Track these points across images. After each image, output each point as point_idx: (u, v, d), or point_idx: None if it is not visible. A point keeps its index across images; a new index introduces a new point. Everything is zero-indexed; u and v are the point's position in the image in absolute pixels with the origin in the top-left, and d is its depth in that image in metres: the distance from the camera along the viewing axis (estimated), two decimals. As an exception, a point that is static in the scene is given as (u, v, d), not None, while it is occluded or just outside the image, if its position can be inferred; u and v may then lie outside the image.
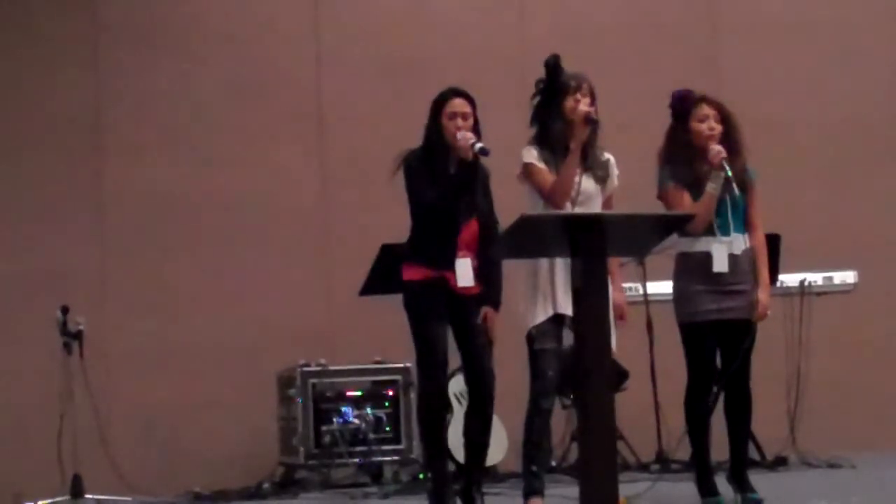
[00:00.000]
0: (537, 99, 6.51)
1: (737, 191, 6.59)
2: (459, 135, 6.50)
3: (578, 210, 6.30)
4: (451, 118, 6.57)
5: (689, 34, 10.18)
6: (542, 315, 6.32)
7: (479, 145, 6.45)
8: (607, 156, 6.55)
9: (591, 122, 6.31)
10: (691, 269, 6.67)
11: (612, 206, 6.54)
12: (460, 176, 6.53)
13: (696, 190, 6.65)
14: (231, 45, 9.86)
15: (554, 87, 6.43)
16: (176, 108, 9.74)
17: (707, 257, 6.64)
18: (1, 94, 9.56)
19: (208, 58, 9.81)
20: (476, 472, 6.82)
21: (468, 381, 6.77)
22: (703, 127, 6.72)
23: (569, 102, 6.38)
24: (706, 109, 6.76)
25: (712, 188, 6.60)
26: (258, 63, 9.87)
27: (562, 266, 6.21)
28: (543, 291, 6.32)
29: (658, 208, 6.69)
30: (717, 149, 6.61)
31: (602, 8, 10.20)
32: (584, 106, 6.33)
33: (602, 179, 6.50)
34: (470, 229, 6.64)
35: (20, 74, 9.59)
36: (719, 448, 6.87)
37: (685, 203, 6.64)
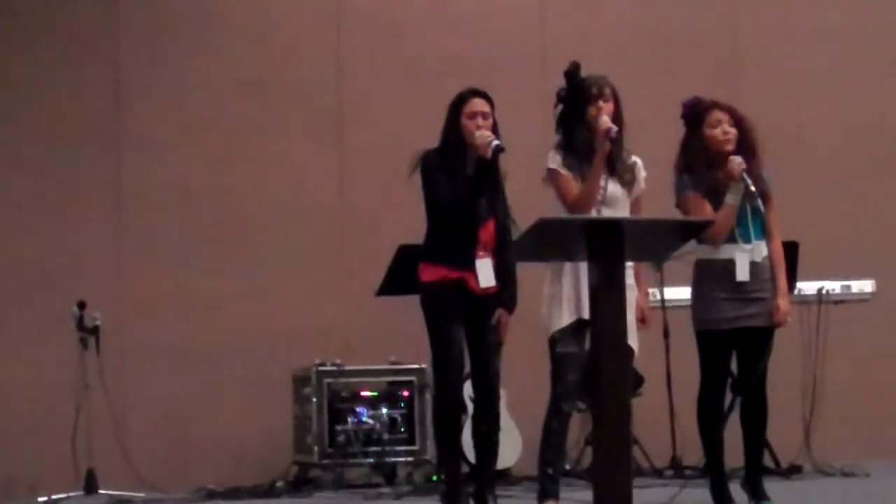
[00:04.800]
0: (560, 108, 6.49)
1: (761, 205, 6.55)
2: (478, 133, 6.49)
3: (605, 214, 6.29)
4: (472, 117, 6.56)
5: (709, 40, 10.14)
6: (567, 318, 6.30)
7: (495, 143, 6.44)
8: (634, 159, 6.52)
9: (610, 138, 6.27)
10: (712, 277, 6.63)
11: (641, 209, 6.53)
12: (479, 176, 6.53)
13: (715, 197, 6.62)
14: (251, 41, 9.86)
15: (575, 95, 6.40)
16: (195, 105, 9.73)
17: (729, 264, 6.59)
18: (22, 88, 9.57)
19: (228, 54, 9.81)
20: (488, 472, 6.80)
21: (475, 381, 6.74)
22: (718, 132, 6.68)
23: (591, 110, 6.36)
24: (718, 115, 6.72)
25: (732, 199, 6.56)
26: (278, 60, 9.86)
27: (587, 270, 6.16)
28: (568, 295, 6.29)
29: (676, 215, 6.66)
30: (737, 160, 6.56)
31: (622, 12, 10.16)
32: (605, 117, 6.29)
33: (629, 183, 6.46)
34: (488, 229, 6.62)
35: (40, 69, 9.59)
36: (734, 455, 6.85)
37: (707, 212, 6.57)
